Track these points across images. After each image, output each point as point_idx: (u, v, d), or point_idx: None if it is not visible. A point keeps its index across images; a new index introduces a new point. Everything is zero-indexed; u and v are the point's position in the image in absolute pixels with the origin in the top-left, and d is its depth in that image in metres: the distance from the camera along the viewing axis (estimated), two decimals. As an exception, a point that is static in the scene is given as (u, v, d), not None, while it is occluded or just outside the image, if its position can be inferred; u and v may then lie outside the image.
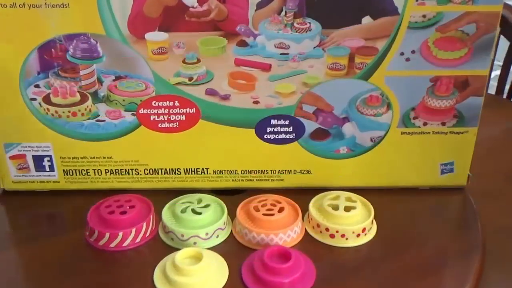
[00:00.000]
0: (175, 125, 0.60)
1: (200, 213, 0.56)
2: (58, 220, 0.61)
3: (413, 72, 0.57)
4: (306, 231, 0.57)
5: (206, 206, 0.57)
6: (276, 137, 0.61)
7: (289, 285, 0.49)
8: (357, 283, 0.51)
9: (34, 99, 0.58)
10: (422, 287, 0.50)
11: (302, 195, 0.60)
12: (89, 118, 0.59)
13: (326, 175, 0.64)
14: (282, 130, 0.60)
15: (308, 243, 0.56)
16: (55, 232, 0.58)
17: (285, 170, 0.63)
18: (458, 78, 0.58)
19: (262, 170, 0.63)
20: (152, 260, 0.53)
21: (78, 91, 0.58)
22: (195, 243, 0.54)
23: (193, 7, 0.54)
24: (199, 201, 0.58)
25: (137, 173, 0.63)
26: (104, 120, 0.60)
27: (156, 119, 0.59)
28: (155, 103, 0.59)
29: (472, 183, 0.64)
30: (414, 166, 0.63)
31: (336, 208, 0.57)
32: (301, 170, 0.63)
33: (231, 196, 0.63)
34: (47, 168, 0.62)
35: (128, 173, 0.63)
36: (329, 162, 0.63)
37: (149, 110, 0.59)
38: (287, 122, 0.60)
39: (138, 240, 0.55)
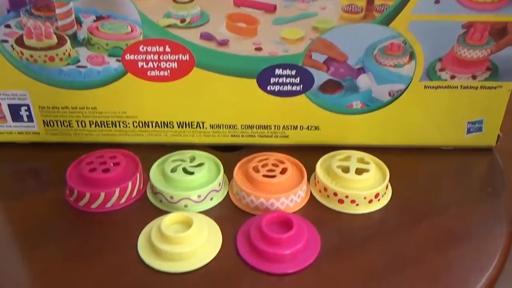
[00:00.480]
0: (166, 74, 0.53)
1: (192, 173, 0.50)
2: (38, 176, 0.55)
3: (443, 16, 0.49)
4: (311, 194, 0.51)
5: (200, 165, 0.51)
6: (281, 89, 0.54)
7: (290, 257, 0.43)
8: (367, 255, 0.44)
9: (6, 41, 0.51)
10: (441, 261, 0.44)
11: (308, 154, 0.53)
12: (68, 64, 0.52)
13: (336, 132, 0.57)
14: (287, 81, 0.53)
15: (313, 209, 0.50)
16: (34, 188, 0.52)
17: (291, 126, 0.56)
18: (495, 24, 0.50)
19: (264, 125, 0.56)
20: (138, 224, 0.47)
21: (55, 33, 0.51)
22: (186, 206, 0.48)
23: None
24: (192, 159, 0.52)
25: (125, 126, 0.56)
26: (85, 67, 0.53)
27: (145, 66, 0.52)
28: (143, 48, 0.51)
29: (500, 143, 0.57)
30: (437, 124, 0.56)
31: (346, 170, 0.50)
32: (308, 126, 0.56)
33: (229, 153, 0.57)
34: (25, 118, 0.56)
35: (115, 126, 0.56)
36: (340, 117, 0.56)
37: (136, 56, 0.52)
38: (293, 72, 0.53)
39: (122, 201, 0.49)
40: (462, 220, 0.49)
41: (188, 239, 0.43)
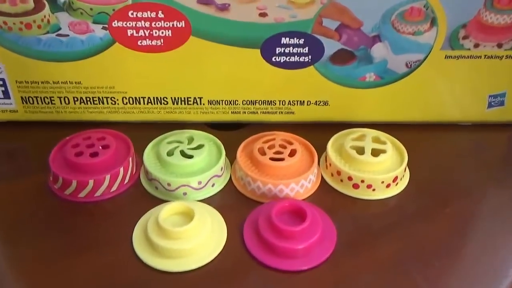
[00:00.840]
0: (159, 43, 0.47)
1: (191, 156, 0.44)
2: (15, 159, 0.49)
3: (471, -24, 0.44)
4: (322, 178, 0.46)
5: (199, 147, 0.46)
6: (287, 60, 0.48)
7: (304, 251, 0.38)
8: (387, 246, 0.40)
9: (-26, 6, 0.45)
10: (468, 251, 0.40)
11: (316, 132, 0.49)
12: (47, 32, 0.46)
13: (347, 108, 0.52)
14: (295, 51, 0.48)
15: (324, 195, 0.45)
16: (13, 174, 0.47)
17: (297, 101, 0.51)
18: (527, -15, 0.44)
19: (268, 101, 0.51)
20: (132, 215, 0.42)
21: (31, -4, 0.44)
22: (185, 193, 0.44)
23: None
24: (190, 140, 0.47)
25: (113, 103, 0.51)
26: (67, 35, 0.46)
27: (135, 34, 0.46)
28: (132, 14, 0.45)
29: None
30: (456, 97, 0.51)
31: (361, 151, 0.45)
32: (316, 101, 0.51)
33: (229, 132, 0.52)
34: (1, 94, 0.50)
35: (102, 102, 0.51)
36: (351, 91, 0.50)
37: (125, 22, 0.46)
38: (301, 41, 0.47)
39: (113, 188, 0.44)
40: (487, 203, 0.45)
41: (190, 234, 0.39)
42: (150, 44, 0.47)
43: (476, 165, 0.49)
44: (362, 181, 0.44)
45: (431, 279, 0.38)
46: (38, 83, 0.49)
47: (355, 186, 0.44)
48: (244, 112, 0.52)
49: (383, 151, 0.45)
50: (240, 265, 0.38)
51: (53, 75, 0.49)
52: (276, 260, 0.38)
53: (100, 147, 0.45)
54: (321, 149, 0.48)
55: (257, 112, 0.52)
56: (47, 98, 0.50)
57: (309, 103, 0.51)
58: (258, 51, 0.48)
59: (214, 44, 0.47)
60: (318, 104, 0.51)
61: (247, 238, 0.40)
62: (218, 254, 0.39)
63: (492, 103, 0.52)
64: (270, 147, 0.46)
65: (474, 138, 0.52)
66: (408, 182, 0.46)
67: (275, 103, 0.51)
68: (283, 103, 0.51)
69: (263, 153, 0.45)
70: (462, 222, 0.43)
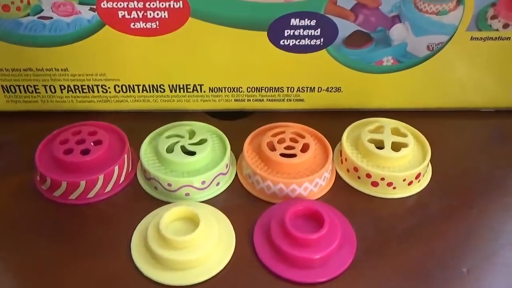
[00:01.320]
0: (154, 26, 0.42)
1: (193, 153, 0.40)
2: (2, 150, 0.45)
3: None
4: (336, 173, 0.42)
5: (201, 141, 0.41)
6: (297, 43, 0.43)
7: (321, 261, 0.35)
8: (411, 251, 0.36)
9: None
10: (501, 258, 0.36)
11: (327, 122, 0.45)
12: (28, 15, 0.41)
13: (362, 95, 0.47)
14: (305, 33, 0.43)
15: (340, 193, 0.41)
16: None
17: (307, 88, 0.47)
18: None
19: (275, 88, 0.47)
20: (130, 219, 0.38)
21: (8, -26, 0.39)
22: (187, 194, 0.39)
23: None
24: (191, 134, 0.42)
25: (104, 91, 0.46)
26: (50, 18, 0.41)
27: (127, 16, 0.41)
28: (124, -7, 0.40)
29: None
30: (480, 82, 0.47)
31: (380, 144, 0.41)
32: (328, 88, 0.47)
33: (233, 122, 0.48)
34: (-21, 84, 0.45)
35: (92, 91, 0.46)
36: (367, 77, 0.46)
37: (115, 3, 0.41)
38: (313, 23, 0.42)
39: (108, 189, 0.40)
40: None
41: (195, 243, 0.35)
42: (144, 26, 0.42)
43: (502, 155, 0.45)
44: (382, 179, 0.40)
45: (461, 289, 0.34)
46: (20, 71, 0.44)
47: (374, 184, 0.40)
48: (249, 100, 0.47)
49: (404, 145, 0.41)
50: (251, 277, 0.35)
51: (36, 61, 0.44)
52: (290, 271, 0.34)
53: (92, 143, 0.41)
54: (334, 141, 0.44)
55: (263, 100, 0.47)
56: (31, 86, 0.45)
57: (320, 90, 0.47)
58: (265, 33, 0.43)
59: (215, 26, 0.42)
60: (330, 91, 0.47)
61: (258, 246, 0.36)
62: (227, 264, 0.35)
63: (519, 87, 0.48)
64: (280, 141, 0.41)
65: (498, 126, 0.48)
66: (431, 178, 0.42)
67: (283, 90, 0.47)
68: (292, 90, 0.47)
69: (272, 148, 0.41)
70: (493, 222, 0.39)
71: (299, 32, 0.43)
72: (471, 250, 0.37)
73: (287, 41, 0.43)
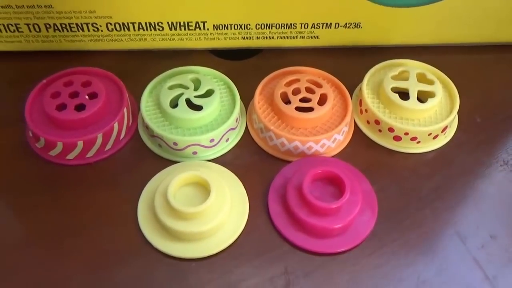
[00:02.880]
0: (150, -44, 0.36)
1: (200, 107, 0.36)
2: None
3: None
4: (355, 124, 0.39)
5: (208, 93, 0.37)
6: (314, -25, 0.38)
7: (340, 231, 0.33)
8: (440, 214, 0.34)
9: None
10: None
11: (344, 60, 0.41)
12: None
13: (382, 30, 0.42)
14: (324, -37, 0.37)
15: (360, 148, 0.38)
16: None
17: (323, 24, 0.42)
18: None
19: (287, 24, 0.42)
20: (133, 180, 0.35)
21: None
22: (194, 153, 0.36)
23: None
24: (196, 84, 0.38)
25: (95, 29, 0.41)
26: None
27: None
28: None
29: None
30: (507, 13, 0.42)
31: (404, 94, 0.38)
32: (346, 24, 0.42)
33: (239, 62, 0.43)
34: (-48, 23, 0.40)
35: (82, 30, 0.41)
36: (388, 10, 0.41)
37: None
38: (334, -49, 0.37)
39: (108, 147, 0.37)
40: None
41: (207, 213, 0.32)
42: (138, -43, 0.36)
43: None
44: (406, 134, 0.37)
45: (494, 259, 0.33)
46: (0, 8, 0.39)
47: (397, 138, 0.37)
48: (258, 38, 0.42)
49: (432, 94, 0.38)
50: (266, 246, 0.33)
51: (16, -2, 0.38)
52: (309, 241, 0.33)
53: (87, 96, 0.36)
54: (352, 84, 0.40)
55: (273, 37, 0.42)
56: (12, 25, 0.40)
57: (337, 26, 0.42)
58: (278, -37, 0.37)
59: (221, -44, 0.36)
60: (349, 27, 0.42)
61: (273, 214, 0.34)
62: (240, 234, 0.33)
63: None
64: (294, 92, 0.37)
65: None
66: (457, 127, 0.39)
67: (296, 26, 0.42)
68: (306, 26, 0.42)
69: (286, 100, 0.37)
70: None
71: (317, -38, 0.37)
72: (504, 214, 0.35)
73: (302, -27, 0.38)
